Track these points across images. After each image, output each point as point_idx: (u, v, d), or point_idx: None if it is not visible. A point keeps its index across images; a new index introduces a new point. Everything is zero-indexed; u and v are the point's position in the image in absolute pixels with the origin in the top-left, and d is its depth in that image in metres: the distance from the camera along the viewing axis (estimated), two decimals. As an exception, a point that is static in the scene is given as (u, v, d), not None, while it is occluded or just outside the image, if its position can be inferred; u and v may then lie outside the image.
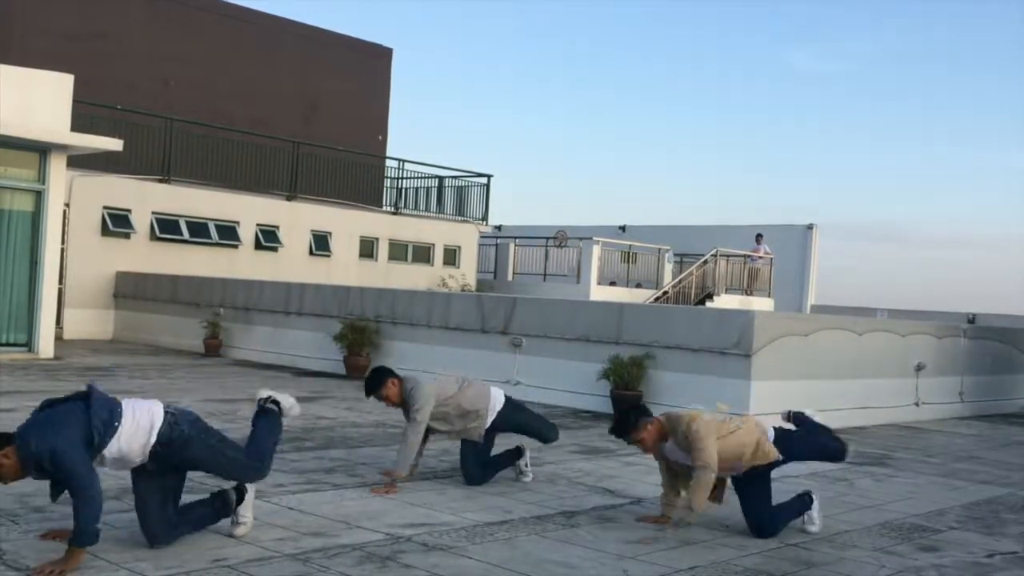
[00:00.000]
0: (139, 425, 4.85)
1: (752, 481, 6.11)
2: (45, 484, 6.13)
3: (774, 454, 6.06)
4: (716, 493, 6.10)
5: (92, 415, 4.71)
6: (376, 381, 6.92)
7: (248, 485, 5.36)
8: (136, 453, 4.86)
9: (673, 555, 5.49)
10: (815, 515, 6.27)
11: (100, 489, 4.63)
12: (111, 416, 4.77)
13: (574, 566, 5.17)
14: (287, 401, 5.68)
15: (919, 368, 13.16)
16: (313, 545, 5.22)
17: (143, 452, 4.87)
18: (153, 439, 4.86)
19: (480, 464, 7.16)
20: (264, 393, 5.72)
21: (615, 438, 6.19)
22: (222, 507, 5.28)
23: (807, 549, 5.83)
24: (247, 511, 5.33)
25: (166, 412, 4.97)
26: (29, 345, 14.26)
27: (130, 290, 18.60)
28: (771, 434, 6.16)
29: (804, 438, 6.40)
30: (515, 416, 7.30)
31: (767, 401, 10.67)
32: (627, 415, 6.13)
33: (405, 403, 6.89)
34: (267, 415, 5.59)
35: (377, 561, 5.02)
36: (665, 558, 5.41)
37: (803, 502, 6.30)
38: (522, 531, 5.82)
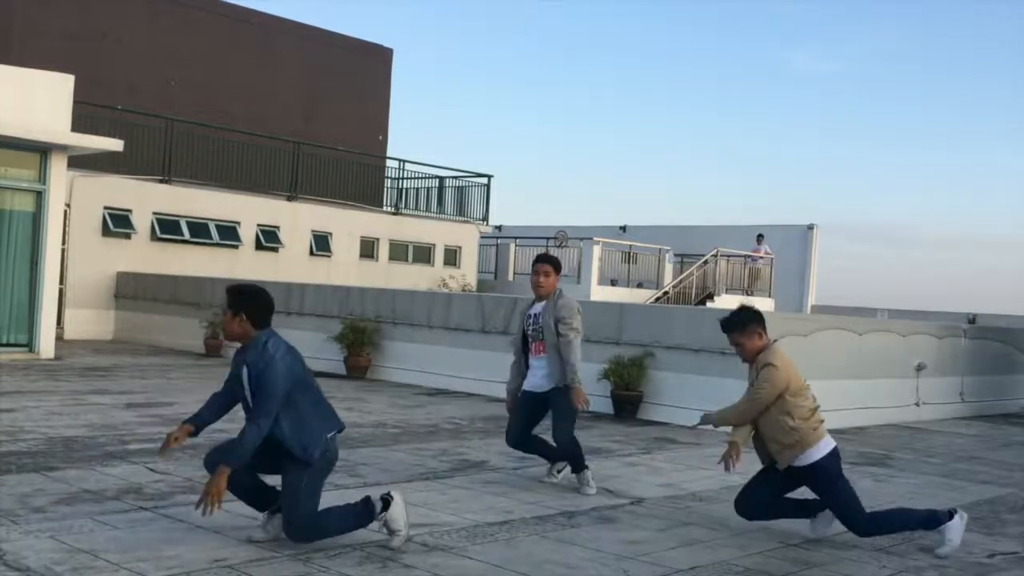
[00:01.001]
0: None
1: (816, 479, 5.88)
2: (42, 484, 6.15)
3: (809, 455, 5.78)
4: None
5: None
6: (549, 259, 7.16)
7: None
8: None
9: (673, 555, 5.49)
10: (951, 536, 5.81)
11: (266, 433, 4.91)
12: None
13: (574, 566, 5.17)
14: (397, 524, 5.23)
15: (920, 368, 13.16)
16: (314, 545, 5.21)
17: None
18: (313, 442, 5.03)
19: (528, 427, 7.19)
20: (397, 510, 5.25)
21: (722, 331, 6.11)
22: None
23: (807, 549, 5.83)
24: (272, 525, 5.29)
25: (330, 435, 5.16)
26: (30, 345, 14.26)
27: (131, 290, 18.60)
28: (828, 448, 5.87)
29: (841, 488, 5.91)
30: (562, 404, 7.06)
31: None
32: (740, 317, 6.00)
33: (556, 300, 7.03)
34: (365, 507, 5.22)
35: (378, 561, 5.02)
36: (666, 558, 5.41)
37: (934, 517, 5.88)
38: (522, 531, 5.82)
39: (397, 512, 5.23)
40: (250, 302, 5.16)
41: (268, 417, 4.93)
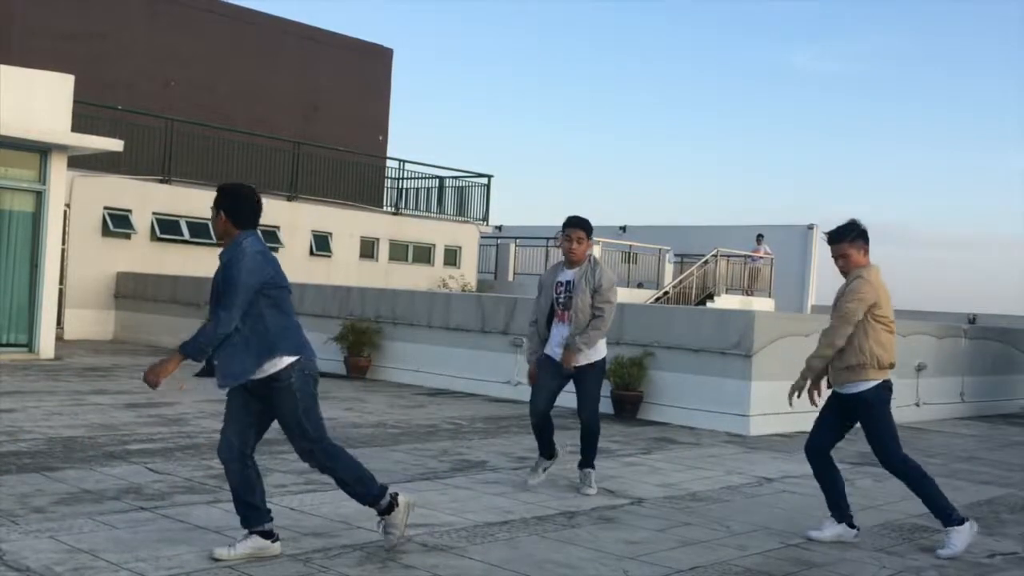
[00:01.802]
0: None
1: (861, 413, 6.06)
2: (42, 484, 6.16)
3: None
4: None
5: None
6: (581, 222, 6.85)
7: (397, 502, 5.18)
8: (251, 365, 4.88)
9: (674, 555, 5.49)
10: (955, 540, 5.85)
11: (231, 330, 4.80)
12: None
13: (574, 566, 5.16)
14: (394, 529, 5.18)
15: (920, 368, 13.16)
16: (313, 545, 5.21)
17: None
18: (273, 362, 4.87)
19: (553, 398, 6.96)
20: (398, 517, 5.17)
21: (827, 240, 6.18)
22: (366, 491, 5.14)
23: (807, 549, 5.83)
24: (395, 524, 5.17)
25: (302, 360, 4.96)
26: (29, 345, 14.26)
27: (131, 290, 18.60)
28: (878, 381, 6.11)
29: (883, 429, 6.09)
30: (590, 380, 6.96)
31: (767, 401, 10.67)
32: (853, 228, 6.07)
33: (593, 268, 6.83)
34: (378, 490, 5.13)
35: (377, 561, 5.01)
36: (665, 558, 5.41)
37: (949, 511, 5.93)
38: (522, 531, 5.82)
39: (398, 519, 5.15)
40: (231, 199, 4.99)
41: (229, 310, 4.74)
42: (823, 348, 6.03)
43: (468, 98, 76.63)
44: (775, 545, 5.86)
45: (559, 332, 6.92)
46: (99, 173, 18.50)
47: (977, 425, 13.22)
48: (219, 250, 5.05)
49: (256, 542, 4.95)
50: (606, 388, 11.39)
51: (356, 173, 25.01)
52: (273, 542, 4.99)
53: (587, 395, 6.95)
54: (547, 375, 6.96)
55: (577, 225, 6.88)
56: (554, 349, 6.98)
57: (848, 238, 6.05)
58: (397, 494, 5.19)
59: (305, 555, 5.03)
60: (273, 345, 4.89)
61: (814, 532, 6.09)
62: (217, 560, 4.84)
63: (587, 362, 6.89)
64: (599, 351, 6.95)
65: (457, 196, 26.46)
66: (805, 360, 6.09)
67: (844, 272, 6.11)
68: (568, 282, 6.88)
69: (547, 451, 7.18)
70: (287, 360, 4.88)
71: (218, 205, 5.01)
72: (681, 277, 26.60)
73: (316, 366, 5.07)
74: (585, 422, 6.98)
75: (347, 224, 23.11)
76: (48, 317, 14.39)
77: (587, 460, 7.08)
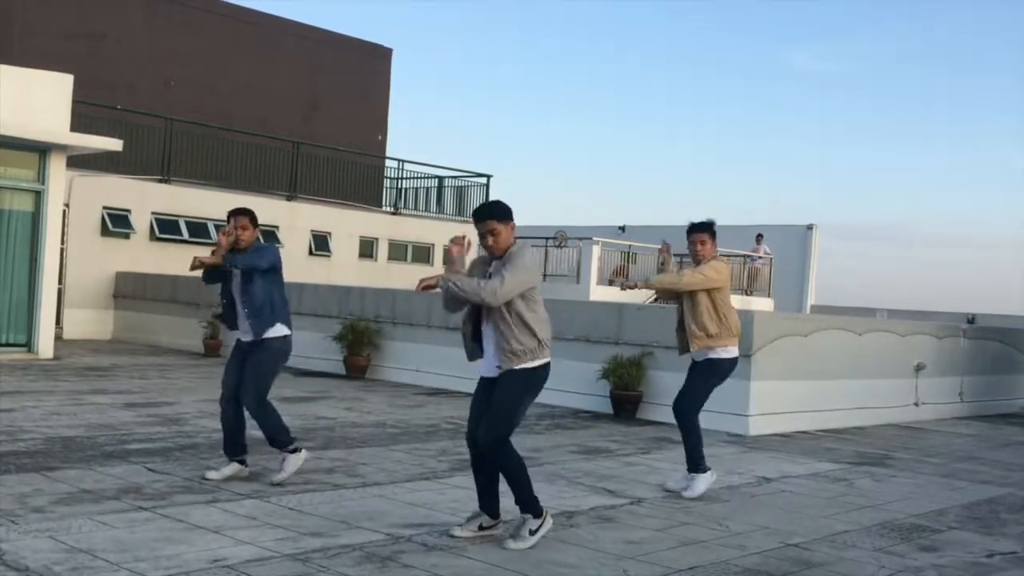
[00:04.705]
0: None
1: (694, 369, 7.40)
2: (41, 484, 6.16)
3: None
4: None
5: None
6: (496, 209, 5.41)
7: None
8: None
9: (673, 555, 5.49)
10: (694, 482, 7.10)
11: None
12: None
13: (574, 566, 5.16)
14: (287, 470, 6.74)
15: (919, 368, 13.16)
16: (313, 545, 5.21)
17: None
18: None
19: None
20: (295, 462, 6.75)
21: (693, 230, 7.26)
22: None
23: (807, 549, 5.83)
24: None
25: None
26: (29, 345, 14.25)
27: (130, 290, 18.60)
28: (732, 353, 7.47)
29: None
30: (515, 388, 5.43)
31: (767, 401, 10.68)
32: (711, 225, 7.31)
33: (511, 256, 5.38)
34: (287, 435, 6.87)
35: (377, 561, 5.01)
36: (665, 558, 5.41)
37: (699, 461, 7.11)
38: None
39: (293, 464, 6.65)
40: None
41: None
42: (671, 281, 7.21)
43: (468, 98, 76.68)
44: (774, 545, 5.86)
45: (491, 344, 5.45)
46: (98, 173, 18.50)
47: (976, 425, 13.22)
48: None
49: (235, 468, 6.69)
50: (605, 388, 11.49)
51: (355, 173, 25.01)
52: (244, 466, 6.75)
53: (493, 407, 5.36)
54: (485, 400, 5.47)
55: (487, 216, 5.36)
56: (491, 367, 5.45)
57: (706, 230, 7.28)
58: (300, 448, 6.79)
59: (305, 555, 5.03)
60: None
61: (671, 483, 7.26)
62: (206, 480, 6.45)
63: (515, 367, 5.34)
64: (531, 358, 5.36)
65: (456, 196, 26.47)
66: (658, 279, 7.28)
67: (699, 261, 7.24)
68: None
69: (494, 504, 5.60)
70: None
71: (255, 223, 6.71)
72: (680, 277, 26.55)
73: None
74: (501, 444, 5.35)
75: (346, 224, 23.11)
76: (47, 317, 14.38)
77: (529, 507, 5.50)
